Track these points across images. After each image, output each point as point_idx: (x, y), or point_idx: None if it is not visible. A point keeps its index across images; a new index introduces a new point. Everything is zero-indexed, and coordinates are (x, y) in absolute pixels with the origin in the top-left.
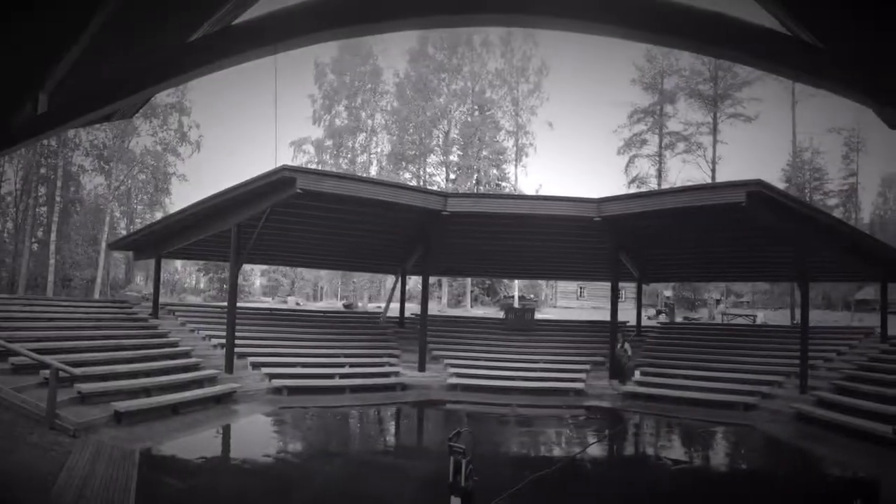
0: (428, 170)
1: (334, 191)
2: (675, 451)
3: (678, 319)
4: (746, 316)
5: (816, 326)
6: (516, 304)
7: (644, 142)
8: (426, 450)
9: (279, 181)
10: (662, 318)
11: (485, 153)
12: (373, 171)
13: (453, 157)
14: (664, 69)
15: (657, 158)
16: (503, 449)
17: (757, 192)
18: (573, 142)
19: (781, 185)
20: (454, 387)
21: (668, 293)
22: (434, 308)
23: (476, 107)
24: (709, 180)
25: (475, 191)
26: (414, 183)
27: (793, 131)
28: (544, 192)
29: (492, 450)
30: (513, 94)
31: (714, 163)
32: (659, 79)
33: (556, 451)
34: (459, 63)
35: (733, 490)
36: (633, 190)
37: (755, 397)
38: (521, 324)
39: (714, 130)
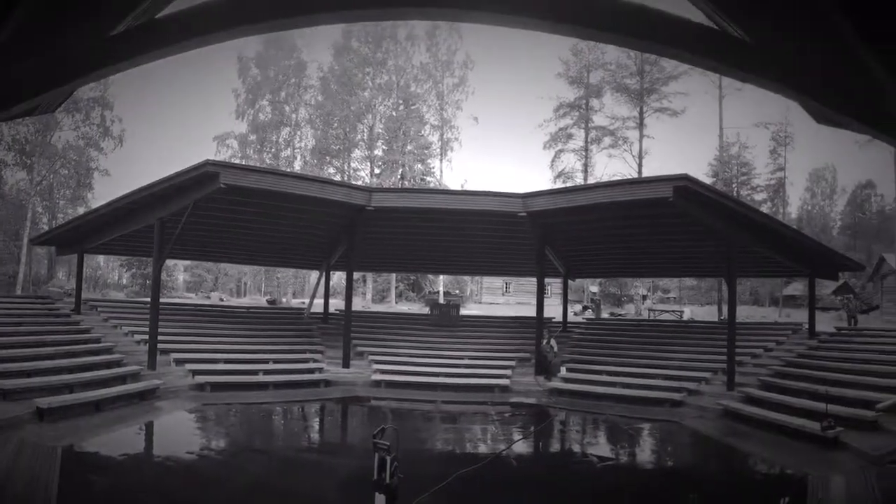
0: (352, 165)
1: (258, 186)
2: (602, 448)
3: (604, 315)
4: (673, 312)
5: (744, 322)
6: (441, 300)
7: (570, 136)
8: (351, 447)
9: (202, 176)
10: (589, 313)
11: (410, 148)
12: (297, 166)
13: (378, 152)
14: (590, 63)
15: (583, 153)
16: (428, 446)
17: (684, 186)
18: (499, 136)
19: (708, 180)
20: (379, 383)
21: (595, 289)
22: (358, 304)
23: (401, 101)
24: (635, 175)
25: (400, 186)
26: (338, 178)
27: (720, 126)
28: (470, 186)
29: (417, 446)
30: (438, 88)
31: (640, 157)
32: (585, 73)
33: (482, 448)
34: (384, 57)
35: (660, 487)
36: (559, 185)
37: (682, 394)
38: (446, 320)
39: (640, 125)
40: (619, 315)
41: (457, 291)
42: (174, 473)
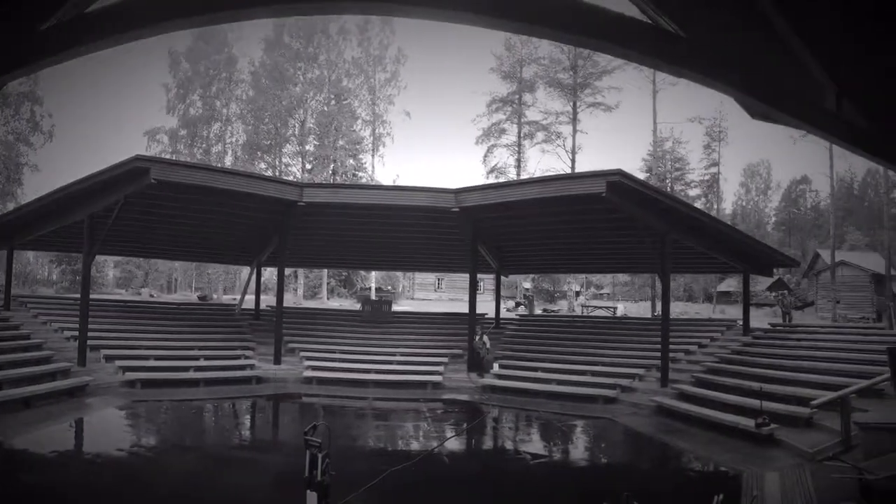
0: (284, 160)
1: (189, 181)
2: (535, 444)
3: (537, 311)
4: (607, 308)
5: (678, 319)
6: (373, 296)
7: (503, 131)
8: (282, 444)
9: (132, 171)
10: (521, 310)
11: (341, 143)
12: (228, 161)
13: (309, 147)
14: (523, 58)
15: (516, 148)
16: (360, 443)
17: (617, 182)
18: (432, 131)
19: (642, 175)
20: (310, 380)
21: (528, 285)
22: (290, 300)
23: (333, 96)
24: (568, 170)
25: (331, 181)
26: (270, 173)
27: (654, 121)
28: (402, 182)
29: (349, 443)
30: (370, 82)
31: (574, 153)
32: (518, 67)
33: (414, 445)
34: (316, 52)
35: (593, 485)
36: (491, 180)
37: (615, 390)
38: (377, 316)
39: (574, 120)
40: (552, 311)
41: (389, 287)
42: (104, 471)
